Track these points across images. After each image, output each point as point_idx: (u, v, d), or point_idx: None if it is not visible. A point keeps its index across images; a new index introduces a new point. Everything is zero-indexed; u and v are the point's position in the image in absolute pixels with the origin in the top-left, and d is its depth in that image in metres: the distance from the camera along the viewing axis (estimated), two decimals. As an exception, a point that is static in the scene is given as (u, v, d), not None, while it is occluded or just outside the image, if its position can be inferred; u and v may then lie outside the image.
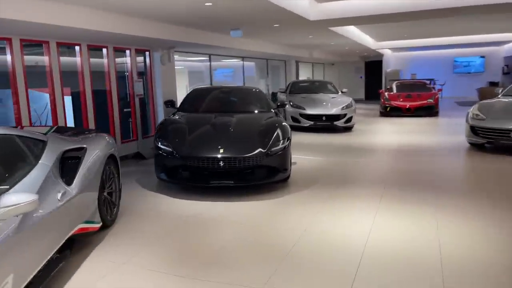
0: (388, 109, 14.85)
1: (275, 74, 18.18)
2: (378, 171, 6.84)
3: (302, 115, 11.07)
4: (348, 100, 11.51)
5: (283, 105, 7.39)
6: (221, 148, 5.32)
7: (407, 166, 7.16)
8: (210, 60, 11.40)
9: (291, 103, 11.41)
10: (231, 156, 5.26)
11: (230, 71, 20.06)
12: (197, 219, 4.62)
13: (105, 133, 4.76)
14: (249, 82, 17.61)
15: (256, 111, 6.92)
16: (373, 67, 23.56)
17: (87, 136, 4.17)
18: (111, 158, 4.38)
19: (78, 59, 6.76)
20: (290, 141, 5.87)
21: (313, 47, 15.24)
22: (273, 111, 6.99)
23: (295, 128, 11.33)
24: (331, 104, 11.25)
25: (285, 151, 5.71)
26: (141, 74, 8.34)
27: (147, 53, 8.41)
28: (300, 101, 11.47)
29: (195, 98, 7.29)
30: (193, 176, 5.41)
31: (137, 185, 5.98)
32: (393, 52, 22.67)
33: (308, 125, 11.02)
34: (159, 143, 5.59)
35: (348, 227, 4.33)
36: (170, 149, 5.45)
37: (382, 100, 15.20)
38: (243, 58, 13.17)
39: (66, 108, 6.92)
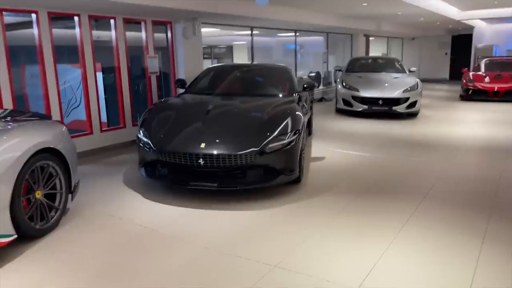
0: (470, 91, 12.55)
1: (341, 50, 16.38)
2: (425, 175, 5.30)
3: (354, 97, 9.52)
4: (412, 81, 9.68)
5: (310, 87, 6.06)
6: (203, 142, 4.27)
7: (467, 171, 5.50)
8: (252, 34, 10.23)
9: (343, 84, 9.89)
10: (214, 153, 4.19)
11: (294, 47, 18.64)
12: (153, 233, 3.66)
13: (55, 122, 3.96)
14: (309, 59, 16.14)
15: (273, 95, 5.73)
16: (461, 42, 20.50)
17: (8, 126, 3.37)
18: (51, 153, 3.57)
19: (77, 31, 6.06)
20: (299, 135, 4.63)
21: (379, 19, 13.25)
22: (296, 95, 5.75)
23: (347, 113, 9.88)
24: (390, 86, 9.53)
25: (291, 148, 4.49)
26: (160, 49, 7.51)
27: (168, 25, 7.52)
28: (355, 82, 9.89)
29: (207, 78, 6.27)
30: (171, 174, 4.45)
31: (121, 178, 5.18)
32: (488, 24, 19.41)
33: (361, 109, 9.46)
34: (140, 132, 4.70)
35: (338, 266, 3.06)
36: (147, 141, 4.53)
37: (464, 81, 12.89)
38: (295, 31, 11.77)
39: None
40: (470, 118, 9.75)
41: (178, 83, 6.26)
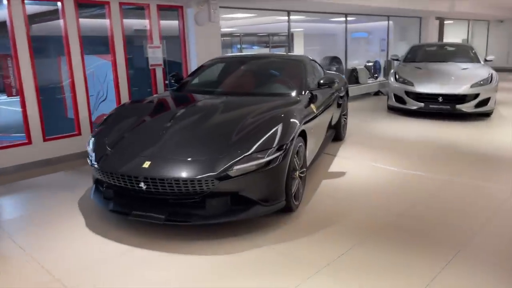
0: None
1: (412, 37, 14.28)
2: (477, 207, 3.80)
3: (408, 93, 7.88)
4: (485, 73, 7.78)
5: (329, 83, 4.75)
6: (149, 161, 3.25)
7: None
8: (289, 19, 8.93)
9: (396, 76, 8.27)
10: (158, 176, 3.15)
11: (364, 35, 16.81)
12: (54, 285, 2.75)
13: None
14: (375, 47, 14.35)
15: (276, 94, 4.55)
16: None
17: None
18: None
19: (60, 20, 5.34)
20: (287, 151, 3.43)
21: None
22: (307, 93, 4.52)
23: (401, 112, 8.27)
24: (456, 79, 7.73)
25: (273, 169, 3.32)
26: (167, 38, 6.61)
27: (179, 10, 6.58)
28: (410, 74, 8.21)
29: (204, 72, 5.25)
30: (116, 198, 3.50)
31: (80, 194, 4.30)
32: None
33: (416, 108, 7.80)
34: (90, 140, 3.81)
35: None
36: (92, 154, 3.63)
37: (561, 72, 10.43)
38: (346, 15, 10.23)
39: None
40: None
41: (173, 77, 5.30)
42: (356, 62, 12.32)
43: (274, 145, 3.37)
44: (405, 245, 3.14)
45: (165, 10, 6.39)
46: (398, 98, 8.06)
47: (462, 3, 12.34)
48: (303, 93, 4.50)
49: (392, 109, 8.47)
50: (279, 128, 3.52)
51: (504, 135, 6.53)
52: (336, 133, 6.03)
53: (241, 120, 3.63)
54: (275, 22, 13.75)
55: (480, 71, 7.89)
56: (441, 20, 14.50)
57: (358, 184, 4.51)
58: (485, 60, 8.83)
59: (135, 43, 6.99)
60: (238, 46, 15.89)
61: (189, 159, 3.22)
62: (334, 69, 11.08)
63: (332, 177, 4.73)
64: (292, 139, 3.53)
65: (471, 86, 7.44)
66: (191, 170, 3.13)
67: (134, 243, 3.23)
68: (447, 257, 2.94)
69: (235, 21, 12.84)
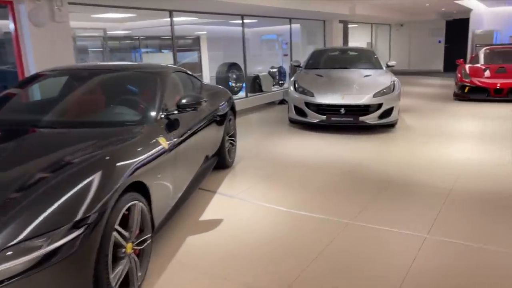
0: (466, 89, 10.07)
1: (320, 41, 13.66)
2: (382, 261, 2.81)
3: (308, 105, 6.98)
4: (387, 80, 7.15)
5: (194, 104, 3.51)
6: None
7: (455, 254, 2.98)
8: (172, 21, 7.62)
9: (296, 85, 7.35)
10: None
11: (273, 37, 16.06)
12: None
13: None
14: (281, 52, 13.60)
15: (112, 122, 3.22)
16: (457, 28, 17.94)
17: None
18: None
19: None
20: (96, 226, 2.13)
21: (352, -1, 10.66)
22: (162, 117, 3.26)
23: (302, 124, 7.36)
24: (357, 88, 7.00)
25: (65, 264, 1.99)
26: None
27: (8, 7, 4.96)
28: (310, 83, 7.33)
29: (23, 92, 3.75)
30: None
31: None
32: (488, 7, 16.84)
33: (317, 121, 6.92)
34: None
35: None
36: None
37: (459, 76, 10.41)
38: (242, 17, 9.17)
39: None
40: (467, 129, 7.24)
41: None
42: (260, 68, 11.39)
43: (69, 222, 2.05)
44: None
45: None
46: (299, 111, 7.13)
47: (362, 6, 11.96)
48: (154, 118, 3.22)
49: (293, 122, 7.54)
50: (83, 187, 2.22)
51: (408, 150, 5.86)
52: (219, 160, 4.86)
53: (18, 180, 2.25)
54: (177, 24, 12.39)
55: (382, 79, 7.25)
56: (345, 24, 14.18)
57: (237, 240, 3.33)
58: (387, 66, 8.28)
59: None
60: (139, 50, 14.29)
61: None
62: (234, 76, 10.02)
63: (202, 231, 3.51)
64: (105, 204, 2.23)
65: (374, 96, 6.73)
66: None
67: None
68: None
69: (134, 22, 11.27)
